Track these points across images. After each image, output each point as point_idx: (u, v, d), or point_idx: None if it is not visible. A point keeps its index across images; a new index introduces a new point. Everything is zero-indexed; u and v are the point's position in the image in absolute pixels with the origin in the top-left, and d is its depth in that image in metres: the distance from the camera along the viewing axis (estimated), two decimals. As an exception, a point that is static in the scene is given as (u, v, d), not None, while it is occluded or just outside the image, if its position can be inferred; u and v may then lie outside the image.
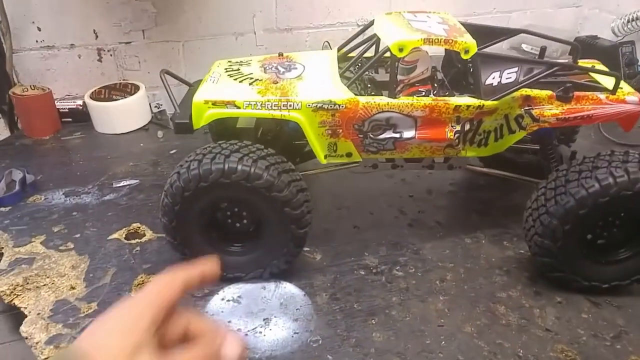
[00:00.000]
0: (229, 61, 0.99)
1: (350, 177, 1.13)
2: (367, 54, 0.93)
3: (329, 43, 1.65)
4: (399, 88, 0.86)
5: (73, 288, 0.84)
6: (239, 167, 0.74)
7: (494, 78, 0.82)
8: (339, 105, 0.81)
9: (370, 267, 0.91)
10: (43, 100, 1.41)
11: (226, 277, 0.82)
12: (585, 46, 1.64)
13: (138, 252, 0.94)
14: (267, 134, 0.98)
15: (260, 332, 0.76)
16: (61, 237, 0.97)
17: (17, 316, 0.82)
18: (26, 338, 0.75)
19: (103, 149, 1.35)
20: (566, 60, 0.98)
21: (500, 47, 0.97)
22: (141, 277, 0.87)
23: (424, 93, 0.85)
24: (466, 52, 0.79)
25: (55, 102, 1.47)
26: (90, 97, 1.46)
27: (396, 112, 0.82)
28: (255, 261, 0.83)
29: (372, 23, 0.94)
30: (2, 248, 0.94)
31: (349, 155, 0.88)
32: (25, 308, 0.80)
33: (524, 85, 0.83)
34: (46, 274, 0.86)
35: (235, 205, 0.80)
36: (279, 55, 0.99)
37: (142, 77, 1.56)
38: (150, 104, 1.55)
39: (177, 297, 0.39)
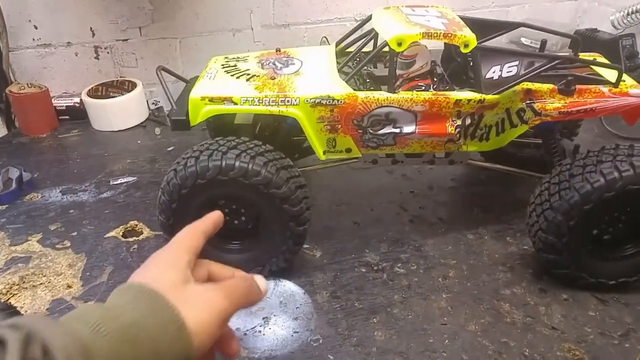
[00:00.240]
0: (226, 57, 0.97)
1: (350, 172, 1.12)
2: (365, 49, 0.92)
3: (326, 38, 1.63)
4: (398, 83, 0.85)
5: (69, 287, 0.83)
6: (237, 163, 0.72)
7: (494, 72, 0.80)
8: (338, 101, 0.80)
9: (372, 264, 0.90)
10: (40, 98, 1.40)
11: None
12: (585, 39, 1.62)
13: (135, 250, 0.93)
14: (265, 130, 0.97)
15: (260, 332, 0.74)
16: (58, 235, 0.96)
17: (13, 315, 0.81)
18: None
19: (100, 147, 1.34)
20: (567, 54, 0.96)
21: (500, 41, 0.95)
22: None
23: (423, 87, 0.83)
24: (466, 46, 0.78)
25: (52, 99, 1.46)
26: (88, 95, 1.45)
27: (396, 107, 0.80)
28: (254, 259, 0.82)
29: (370, 18, 0.92)
30: (-1, 247, 0.93)
31: (348, 150, 0.86)
32: (22, 307, 0.79)
33: (525, 79, 0.81)
34: (42, 272, 0.85)
35: (234, 202, 0.79)
36: (276, 51, 0.97)
37: (139, 74, 1.55)
38: (147, 101, 1.54)
39: (202, 243, 0.46)
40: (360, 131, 0.83)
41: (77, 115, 1.47)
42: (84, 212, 1.04)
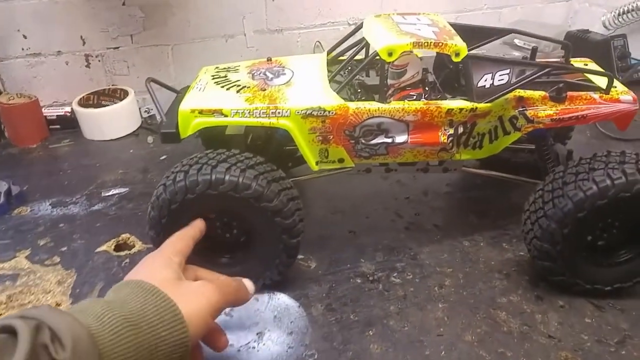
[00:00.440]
0: (217, 67, 0.96)
1: (345, 179, 1.11)
2: (358, 56, 0.91)
3: (320, 43, 1.63)
4: (389, 92, 0.84)
5: (59, 305, 0.81)
6: (227, 177, 0.71)
7: (486, 80, 0.80)
8: (329, 112, 0.79)
9: (367, 274, 0.89)
10: (29, 109, 1.38)
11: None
12: (577, 40, 1.64)
13: (127, 264, 0.92)
14: (257, 140, 0.96)
15: (254, 348, 0.73)
16: (47, 250, 0.95)
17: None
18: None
19: (92, 157, 1.32)
20: (558, 59, 0.96)
21: (494, 42, 0.95)
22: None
23: (415, 97, 0.82)
24: (457, 55, 0.77)
25: (43, 109, 1.44)
26: (79, 103, 1.44)
27: (387, 117, 0.79)
28: (247, 272, 0.80)
29: (361, 26, 0.91)
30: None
31: (341, 161, 0.86)
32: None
33: (517, 87, 0.81)
34: (30, 290, 0.84)
35: (225, 215, 0.78)
36: (267, 60, 0.96)
37: (131, 81, 1.54)
38: (140, 109, 1.52)
39: (191, 247, 0.53)
40: (353, 141, 0.82)
41: (68, 124, 1.45)
42: (75, 226, 1.02)
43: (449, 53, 0.78)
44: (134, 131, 1.47)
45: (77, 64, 1.49)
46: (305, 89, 0.84)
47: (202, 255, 0.79)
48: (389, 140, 0.81)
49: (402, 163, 0.88)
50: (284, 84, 0.86)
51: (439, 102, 0.80)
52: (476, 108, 0.80)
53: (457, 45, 0.77)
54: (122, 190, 1.16)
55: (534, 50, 0.84)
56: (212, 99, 0.83)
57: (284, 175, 0.79)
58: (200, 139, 1.01)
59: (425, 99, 0.82)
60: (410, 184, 1.16)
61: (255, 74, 0.91)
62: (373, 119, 0.79)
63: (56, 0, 1.39)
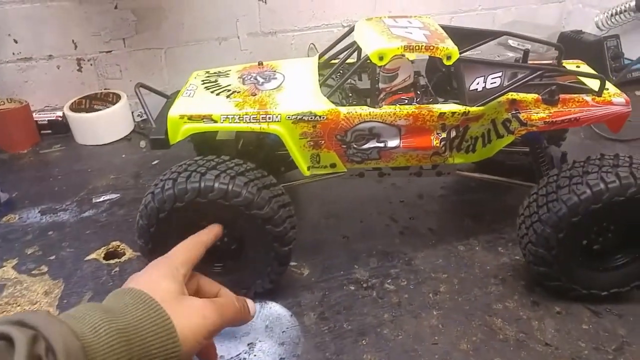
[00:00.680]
0: (207, 72, 0.95)
1: (339, 183, 1.09)
2: (349, 60, 0.90)
3: (314, 45, 1.62)
4: (381, 96, 0.83)
5: (47, 316, 0.79)
6: (216, 185, 0.70)
7: (478, 83, 0.79)
8: (320, 117, 0.78)
9: (361, 281, 0.88)
10: (20, 114, 1.37)
11: (208, 299, 0.78)
12: (571, 41, 1.63)
13: (117, 272, 0.90)
14: (248, 146, 0.94)
15: (245, 359, 0.72)
16: (34, 259, 0.93)
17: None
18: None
19: (83, 162, 1.31)
20: (550, 61, 0.96)
21: (488, 43, 0.94)
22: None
23: (407, 101, 0.81)
24: (448, 58, 0.76)
25: (34, 114, 1.42)
26: (71, 108, 1.42)
27: (379, 122, 0.78)
28: (238, 281, 0.79)
29: (352, 29, 0.90)
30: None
31: (332, 166, 0.84)
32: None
33: (509, 90, 0.80)
34: (17, 302, 0.82)
35: (215, 223, 0.76)
36: (258, 65, 0.95)
37: (124, 85, 1.52)
38: (132, 113, 1.51)
39: (201, 254, 0.52)
40: (344, 146, 0.81)
41: (60, 129, 1.44)
42: (64, 234, 1.01)
43: (440, 56, 0.77)
44: (126, 136, 1.45)
45: (69, 68, 1.48)
46: (296, 93, 0.83)
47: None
48: (381, 144, 0.80)
49: (395, 167, 0.87)
50: (274, 88, 0.85)
51: (430, 106, 0.79)
52: (468, 111, 0.79)
53: (449, 49, 0.76)
54: (114, 196, 1.14)
55: (526, 53, 0.83)
56: (201, 104, 0.82)
57: (275, 181, 0.78)
58: (193, 144, 1.00)
59: (417, 102, 0.81)
60: (405, 187, 1.14)
61: (246, 79, 0.89)
62: (365, 124, 0.78)
63: (47, 4, 1.37)
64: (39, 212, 1.08)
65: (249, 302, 0.50)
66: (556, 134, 1.08)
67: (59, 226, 1.03)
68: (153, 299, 0.41)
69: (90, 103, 1.46)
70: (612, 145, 1.29)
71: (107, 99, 1.48)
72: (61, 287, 0.86)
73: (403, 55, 0.80)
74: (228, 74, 0.93)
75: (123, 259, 0.94)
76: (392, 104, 0.80)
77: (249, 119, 0.78)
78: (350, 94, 0.86)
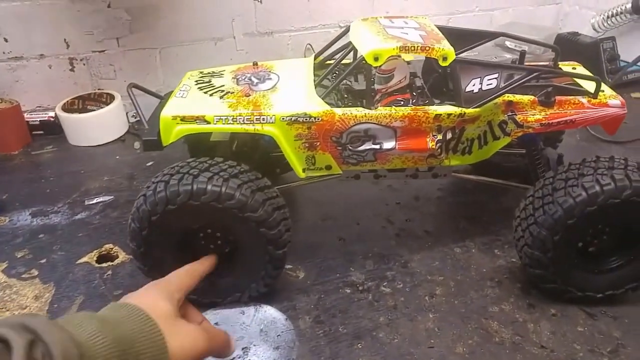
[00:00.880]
0: (201, 72, 0.94)
1: (336, 184, 1.08)
2: (345, 61, 0.89)
3: (311, 46, 1.61)
4: (377, 97, 0.82)
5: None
6: (209, 187, 0.69)
7: (474, 85, 0.79)
8: (315, 118, 0.77)
9: (357, 284, 0.87)
10: (11, 114, 1.35)
11: (202, 303, 0.77)
12: (567, 43, 1.64)
13: (109, 276, 0.89)
14: (243, 147, 0.93)
15: (238, 363, 0.71)
16: (25, 263, 0.91)
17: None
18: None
19: (76, 163, 1.29)
20: (547, 63, 0.95)
21: (485, 44, 0.93)
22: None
23: (402, 102, 0.81)
24: (444, 59, 0.76)
25: (25, 114, 1.40)
26: (63, 108, 1.40)
27: (374, 123, 0.77)
28: (233, 285, 0.78)
29: (348, 29, 0.89)
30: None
31: (328, 167, 0.84)
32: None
33: (506, 92, 0.80)
34: (6, 306, 0.80)
35: (208, 227, 0.75)
36: (253, 65, 0.94)
37: (118, 85, 1.50)
38: (127, 114, 1.49)
39: (195, 283, 0.53)
40: (340, 148, 0.80)
41: (52, 130, 1.42)
42: (55, 237, 0.99)
43: (436, 57, 0.76)
44: (120, 137, 1.44)
45: (61, 67, 1.46)
46: (291, 94, 0.82)
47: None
48: (377, 146, 0.80)
49: (391, 169, 0.86)
50: (269, 89, 0.84)
51: (426, 107, 0.79)
52: (464, 113, 0.78)
53: (445, 49, 0.76)
54: (107, 198, 1.13)
55: (523, 54, 0.83)
56: (194, 105, 0.81)
57: (269, 183, 0.77)
58: (187, 146, 0.98)
59: (413, 104, 0.80)
60: (401, 189, 1.14)
61: (240, 79, 0.88)
62: (360, 125, 0.77)
63: (39, 2, 1.35)
64: (29, 214, 1.06)
65: (232, 339, 0.52)
66: (553, 135, 1.07)
67: (50, 229, 1.01)
68: (148, 315, 0.42)
69: (83, 103, 1.44)
70: (608, 147, 1.29)
71: (101, 99, 1.46)
72: (52, 291, 0.84)
73: (399, 56, 0.79)
74: (222, 75, 0.91)
75: (116, 262, 0.92)
76: (388, 106, 0.79)
77: (243, 120, 0.77)
78: (345, 95, 0.86)
